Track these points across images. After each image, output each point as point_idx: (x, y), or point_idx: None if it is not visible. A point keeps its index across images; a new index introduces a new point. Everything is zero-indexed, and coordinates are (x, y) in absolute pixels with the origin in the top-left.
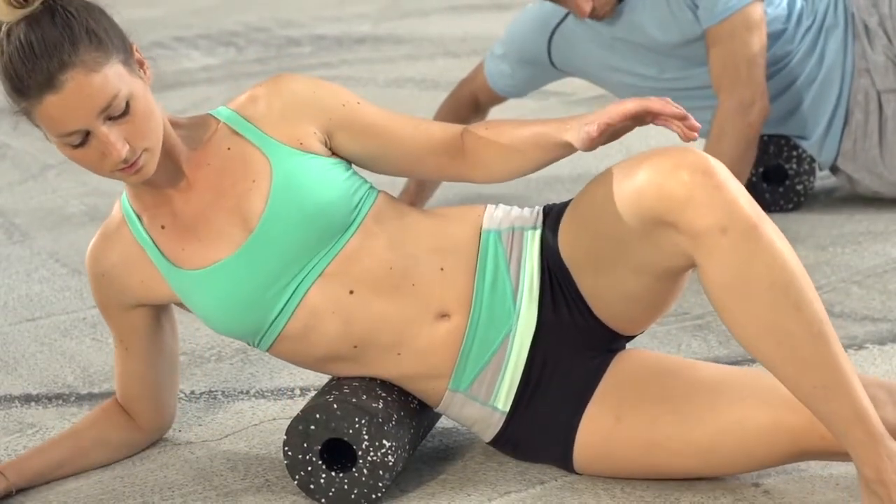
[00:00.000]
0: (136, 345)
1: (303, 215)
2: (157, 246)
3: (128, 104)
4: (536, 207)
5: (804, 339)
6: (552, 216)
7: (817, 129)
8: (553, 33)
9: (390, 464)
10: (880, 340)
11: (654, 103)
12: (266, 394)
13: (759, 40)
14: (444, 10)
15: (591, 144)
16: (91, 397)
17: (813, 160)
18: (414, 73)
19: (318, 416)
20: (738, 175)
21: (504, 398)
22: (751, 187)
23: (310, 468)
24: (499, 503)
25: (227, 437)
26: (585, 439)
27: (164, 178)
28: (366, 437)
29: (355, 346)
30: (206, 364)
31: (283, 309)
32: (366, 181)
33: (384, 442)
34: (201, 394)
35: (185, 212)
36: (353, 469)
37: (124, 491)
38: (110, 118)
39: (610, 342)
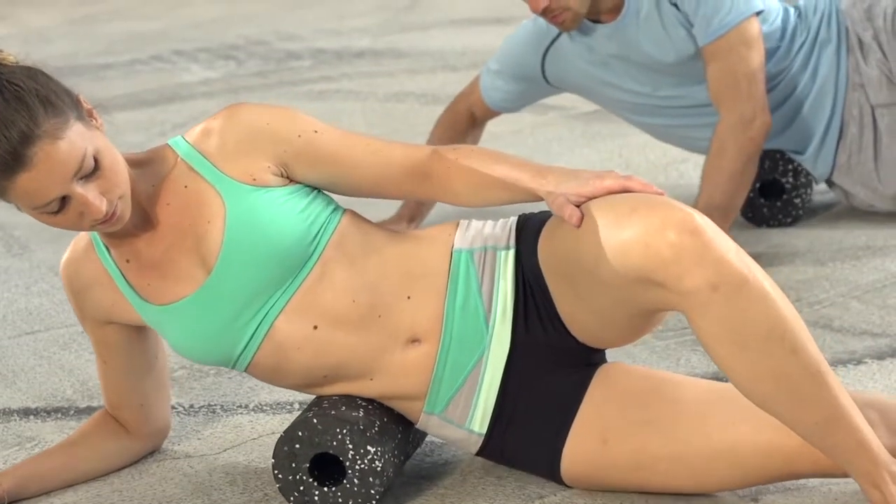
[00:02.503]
0: (114, 359)
1: (258, 255)
2: (124, 276)
3: (96, 160)
4: (511, 219)
5: (802, 380)
6: (528, 231)
7: (811, 143)
8: (547, 50)
9: (378, 469)
10: (879, 355)
11: (635, 184)
12: (265, 408)
13: (757, 55)
14: (444, 24)
15: (566, 217)
16: (90, 411)
17: (809, 173)
18: (414, 87)
19: (300, 433)
20: (738, 190)
21: (480, 421)
22: (748, 203)
23: (302, 488)
24: None
25: (225, 451)
26: (572, 459)
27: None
28: (350, 446)
29: (325, 376)
30: (205, 378)
31: (248, 343)
32: (330, 202)
33: (369, 448)
34: (200, 407)
35: (148, 251)
36: (344, 480)
37: None
38: (83, 178)
39: (588, 356)
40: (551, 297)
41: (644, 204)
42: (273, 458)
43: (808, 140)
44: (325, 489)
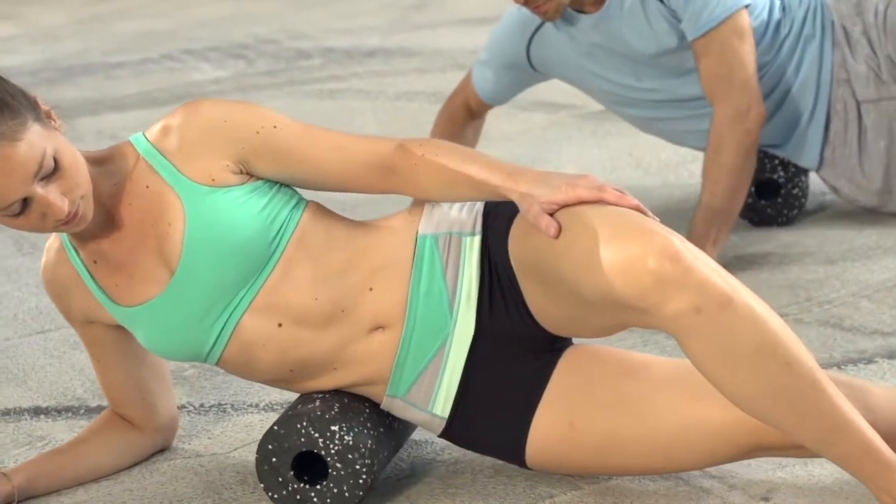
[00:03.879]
0: (105, 356)
1: (218, 256)
2: (93, 278)
3: (56, 160)
4: (478, 205)
5: (800, 392)
6: (497, 219)
7: (793, 136)
8: (532, 36)
9: (351, 443)
10: (890, 354)
11: (610, 196)
12: (275, 406)
13: (749, 47)
14: (453, 23)
15: (543, 229)
16: (100, 410)
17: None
18: (424, 86)
19: (270, 447)
20: (740, 186)
21: (442, 404)
22: (751, 208)
23: (299, 496)
24: None
25: (236, 449)
26: (538, 445)
27: (91, 219)
28: (315, 434)
29: (291, 370)
30: (215, 377)
31: (216, 341)
32: (292, 197)
33: (332, 428)
34: (210, 406)
35: (114, 252)
36: (330, 469)
37: (133, 503)
38: (43, 178)
39: (554, 342)
40: (519, 288)
41: (624, 229)
42: (261, 482)
43: (789, 133)
44: (319, 487)
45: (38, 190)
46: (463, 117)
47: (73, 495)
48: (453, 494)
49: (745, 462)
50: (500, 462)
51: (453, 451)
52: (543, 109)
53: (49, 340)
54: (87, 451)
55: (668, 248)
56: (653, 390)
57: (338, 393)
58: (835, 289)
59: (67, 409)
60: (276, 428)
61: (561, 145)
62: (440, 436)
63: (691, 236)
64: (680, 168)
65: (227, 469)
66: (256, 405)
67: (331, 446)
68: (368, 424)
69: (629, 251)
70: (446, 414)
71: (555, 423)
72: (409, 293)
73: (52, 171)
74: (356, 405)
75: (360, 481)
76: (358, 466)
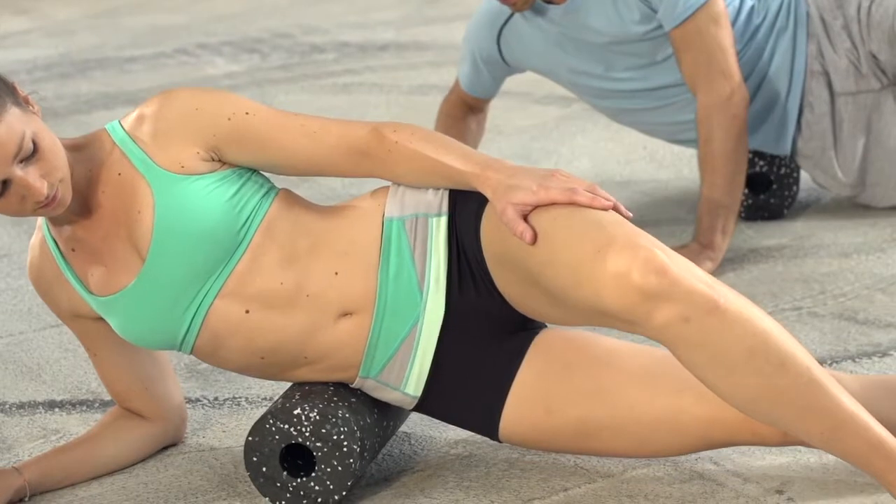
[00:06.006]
0: (100, 349)
1: (187, 244)
2: (71, 269)
3: (35, 143)
4: (441, 189)
5: (798, 392)
6: (467, 201)
7: (764, 127)
8: (501, 31)
9: (318, 418)
10: None
11: (582, 198)
12: None
13: (726, 32)
14: (467, 17)
15: (518, 235)
16: (114, 403)
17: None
18: (437, 79)
19: (254, 458)
20: (736, 173)
21: (415, 384)
22: (752, 207)
23: (302, 492)
24: None
25: None
26: (512, 424)
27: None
28: (285, 426)
29: (262, 358)
30: (228, 370)
31: (188, 329)
32: (262, 186)
33: (296, 412)
34: (225, 400)
35: (88, 239)
36: (314, 451)
37: (148, 496)
38: (22, 161)
39: (526, 322)
40: (488, 270)
41: (607, 244)
42: (264, 496)
43: (761, 123)
44: (314, 474)
45: (18, 172)
46: (461, 112)
47: (88, 488)
48: (467, 488)
49: (760, 455)
50: (514, 455)
51: (466, 445)
52: (557, 103)
53: (63, 334)
54: (98, 445)
55: (652, 261)
56: (630, 380)
57: (300, 384)
58: (849, 282)
59: (82, 403)
60: (250, 438)
61: (574, 138)
62: (412, 410)
63: (700, 230)
64: (694, 160)
65: (242, 462)
66: (271, 398)
67: (303, 430)
68: (335, 398)
69: (614, 267)
70: (419, 393)
71: (530, 407)
72: (377, 278)
73: (32, 154)
74: (318, 387)
75: (345, 450)
76: (336, 437)
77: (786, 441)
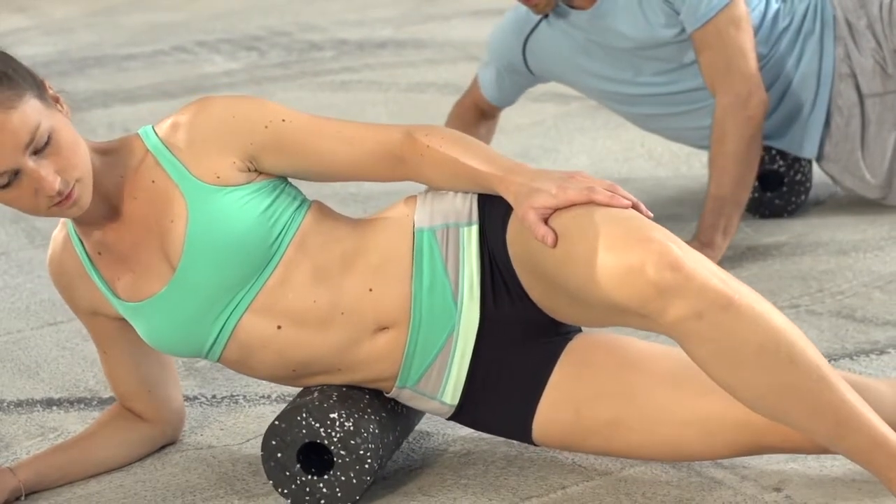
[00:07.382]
0: (111, 348)
1: (219, 256)
2: (97, 270)
3: (50, 136)
4: (470, 195)
5: (807, 389)
6: (494, 208)
7: (792, 131)
8: (527, 39)
9: (352, 429)
10: None
11: (601, 196)
12: (288, 398)
13: (747, 35)
14: (466, 15)
15: (539, 238)
16: (112, 401)
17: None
18: (436, 77)
19: (273, 442)
20: (746, 174)
21: (451, 393)
22: (759, 203)
23: (308, 489)
24: None
25: (249, 441)
26: (544, 426)
27: (94, 209)
28: (316, 424)
29: (294, 370)
30: (226, 368)
31: (215, 340)
32: (295, 198)
33: (332, 416)
34: (223, 398)
35: (118, 245)
36: (335, 458)
37: (146, 494)
38: (36, 152)
39: (558, 327)
40: (519, 278)
41: (621, 239)
42: (269, 479)
43: (788, 127)
44: (327, 477)
45: (30, 163)
46: (473, 117)
47: (86, 486)
48: (465, 485)
49: None
50: (512, 453)
51: (464, 443)
52: (555, 100)
53: (61, 332)
54: (95, 444)
55: (666, 255)
56: (659, 383)
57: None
58: (847, 279)
59: (79, 401)
60: (277, 423)
61: (573, 136)
62: (448, 419)
63: (701, 228)
64: (692, 158)
65: (240, 460)
66: (268, 396)
67: (332, 434)
68: (369, 410)
69: (628, 261)
70: (456, 401)
71: (561, 409)
72: (412, 291)
73: (46, 146)
74: (356, 392)
75: (366, 466)
76: (362, 452)
77: (817, 448)
